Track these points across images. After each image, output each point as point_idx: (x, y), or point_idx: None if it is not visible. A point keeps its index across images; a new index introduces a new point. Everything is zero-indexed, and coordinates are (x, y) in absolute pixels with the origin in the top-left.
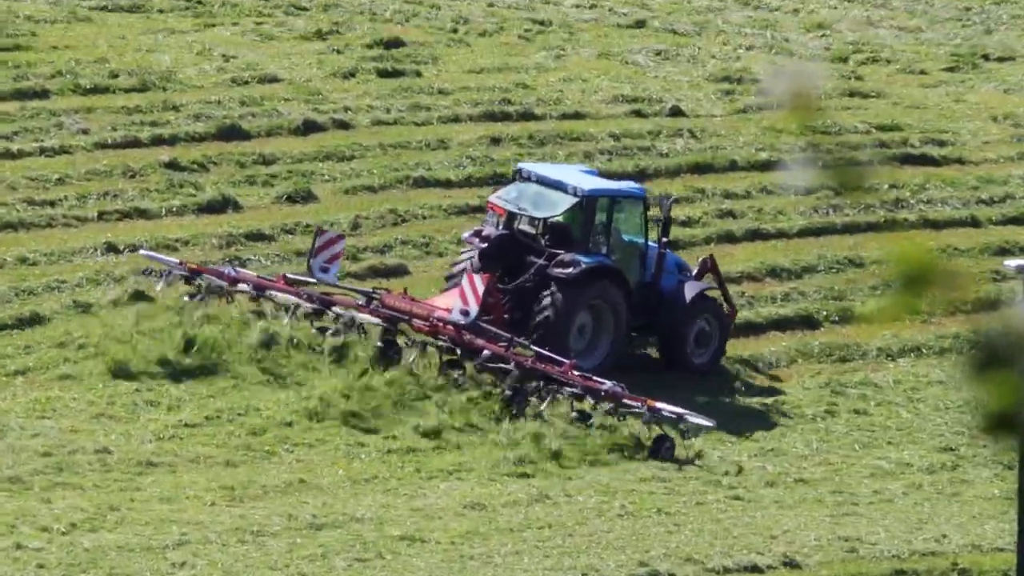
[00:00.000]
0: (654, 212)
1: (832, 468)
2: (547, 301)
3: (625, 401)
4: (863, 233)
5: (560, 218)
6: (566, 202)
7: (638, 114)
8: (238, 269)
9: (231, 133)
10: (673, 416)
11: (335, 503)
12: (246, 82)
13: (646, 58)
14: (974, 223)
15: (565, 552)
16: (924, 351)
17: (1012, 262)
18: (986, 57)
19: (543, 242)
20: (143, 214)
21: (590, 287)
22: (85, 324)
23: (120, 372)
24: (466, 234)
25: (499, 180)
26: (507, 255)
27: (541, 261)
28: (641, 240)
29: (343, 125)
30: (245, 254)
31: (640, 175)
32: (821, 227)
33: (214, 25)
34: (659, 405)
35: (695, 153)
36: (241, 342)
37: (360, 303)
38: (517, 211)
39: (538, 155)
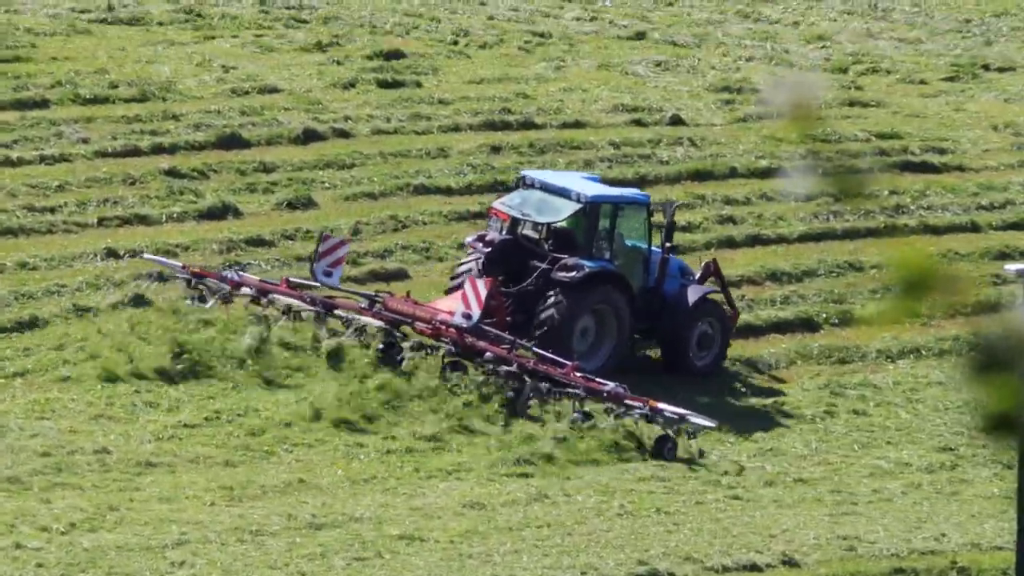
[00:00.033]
0: (658, 218)
1: (831, 468)
2: (550, 304)
3: (627, 402)
4: (863, 238)
5: (564, 224)
6: (570, 208)
7: (638, 123)
8: (240, 273)
9: (231, 142)
10: (675, 417)
11: (334, 503)
12: (246, 92)
13: (646, 69)
14: (974, 228)
15: (564, 551)
16: (923, 353)
17: (1012, 266)
18: (986, 67)
19: (547, 247)
20: (143, 220)
21: (593, 291)
22: (82, 328)
23: (111, 377)
24: (469, 239)
25: (500, 188)
26: (510, 260)
27: (544, 266)
28: (644, 245)
29: (343, 134)
30: (245, 259)
31: (640, 182)
32: (821, 232)
33: (214, 37)
34: (661, 406)
35: (695, 161)
36: (232, 348)
37: (363, 306)
38: (521, 217)
39: (538, 163)
